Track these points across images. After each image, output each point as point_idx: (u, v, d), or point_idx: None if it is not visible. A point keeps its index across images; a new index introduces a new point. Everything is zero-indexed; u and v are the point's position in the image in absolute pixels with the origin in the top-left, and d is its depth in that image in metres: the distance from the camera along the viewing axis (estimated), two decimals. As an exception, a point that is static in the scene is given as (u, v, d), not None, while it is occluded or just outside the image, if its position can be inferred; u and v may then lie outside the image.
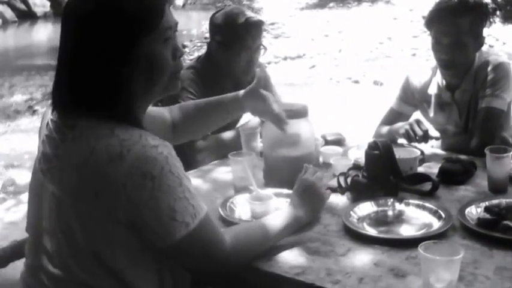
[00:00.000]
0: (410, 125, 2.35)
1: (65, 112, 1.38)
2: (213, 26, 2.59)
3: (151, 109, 1.68)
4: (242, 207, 1.89)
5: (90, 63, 1.34)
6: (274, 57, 8.94)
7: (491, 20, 10.10)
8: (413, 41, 9.04)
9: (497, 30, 9.70)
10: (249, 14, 2.58)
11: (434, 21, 2.45)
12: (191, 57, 2.59)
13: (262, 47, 2.60)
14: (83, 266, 1.36)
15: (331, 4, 12.76)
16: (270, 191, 1.93)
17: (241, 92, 1.88)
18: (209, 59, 2.63)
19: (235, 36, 2.51)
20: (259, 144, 2.30)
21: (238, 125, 2.62)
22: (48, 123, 1.43)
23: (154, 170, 1.29)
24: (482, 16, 2.47)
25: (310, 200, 1.70)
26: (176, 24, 1.46)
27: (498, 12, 10.51)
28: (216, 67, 2.59)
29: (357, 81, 7.82)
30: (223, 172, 2.26)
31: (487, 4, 2.57)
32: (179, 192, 1.32)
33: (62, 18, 1.40)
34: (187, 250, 1.37)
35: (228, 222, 1.78)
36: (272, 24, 11.26)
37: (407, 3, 11.84)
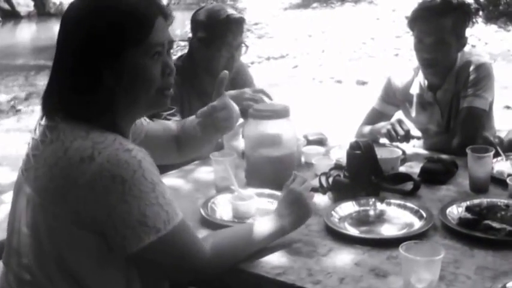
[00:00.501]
0: (392, 124, 2.35)
1: (49, 115, 1.38)
2: (195, 23, 2.59)
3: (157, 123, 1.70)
4: (223, 208, 1.87)
5: (74, 69, 1.34)
6: (257, 57, 8.94)
7: (474, 20, 10.19)
8: (396, 41, 9.08)
9: (479, 31, 9.79)
10: (231, 11, 2.57)
11: (418, 20, 2.45)
12: (174, 58, 2.58)
13: (243, 44, 2.59)
14: (45, 269, 1.34)
15: (315, 4, 12.78)
16: (251, 191, 1.92)
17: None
18: (191, 56, 2.62)
19: (216, 33, 2.50)
20: (241, 144, 2.29)
21: None
22: (36, 127, 1.42)
23: (125, 174, 1.27)
24: (465, 16, 2.48)
25: (297, 211, 1.65)
26: (170, 42, 1.44)
27: (481, 13, 10.60)
28: (197, 64, 2.58)
29: (339, 81, 7.84)
30: (205, 172, 2.25)
31: (469, 4, 2.58)
32: (151, 198, 1.30)
33: (63, 25, 1.41)
34: (158, 257, 1.34)
35: (209, 223, 1.77)
36: (255, 24, 11.25)
37: (390, 4, 11.90)
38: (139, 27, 1.36)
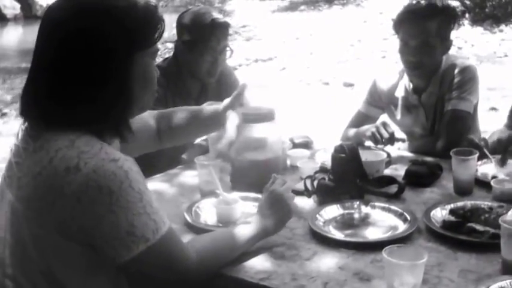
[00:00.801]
0: (377, 127, 2.35)
1: (32, 121, 1.35)
2: (180, 26, 2.58)
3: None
4: (208, 212, 1.86)
5: (76, 76, 1.30)
6: (245, 60, 8.94)
7: (461, 22, 10.26)
8: (383, 43, 9.12)
9: (466, 33, 9.85)
10: (216, 15, 2.57)
11: (403, 23, 2.46)
12: (160, 60, 2.58)
13: (228, 48, 2.58)
14: (31, 279, 1.32)
15: (302, 7, 12.81)
16: (236, 194, 1.92)
17: (220, 106, 1.88)
18: (176, 59, 2.61)
19: (200, 36, 2.49)
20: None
21: None
22: (19, 132, 1.40)
23: (112, 185, 1.26)
24: (450, 19, 2.49)
25: (279, 212, 1.66)
26: None
27: (467, 15, 10.67)
28: (182, 67, 2.57)
29: (327, 83, 7.86)
30: (189, 176, 2.23)
31: (454, 8, 2.60)
32: (139, 208, 1.28)
33: (43, 25, 1.35)
34: (147, 266, 1.34)
35: (193, 227, 1.76)
36: (244, 26, 11.26)
37: (377, 7, 11.95)
38: (151, 30, 1.36)
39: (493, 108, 6.02)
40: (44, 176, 1.28)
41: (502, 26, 10.22)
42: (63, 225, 1.27)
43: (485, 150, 2.13)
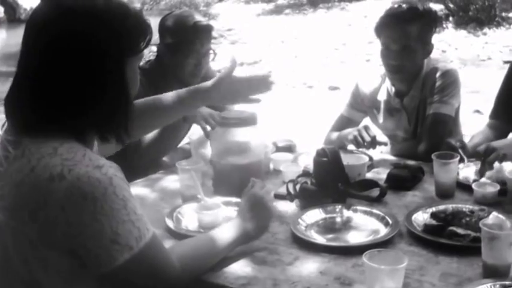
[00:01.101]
0: (359, 131, 2.35)
1: (15, 126, 1.33)
2: (163, 29, 2.57)
3: None
4: (189, 217, 1.85)
5: (67, 81, 1.28)
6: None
7: (444, 25, 10.33)
8: (367, 46, 9.14)
9: (449, 36, 9.91)
10: (199, 18, 2.56)
11: (384, 27, 2.47)
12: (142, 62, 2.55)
13: (211, 51, 2.58)
14: None
15: (287, 11, 12.82)
16: (218, 199, 1.91)
17: (208, 83, 1.82)
18: (158, 62, 2.60)
19: (184, 39, 2.49)
20: (209, 152, 2.27)
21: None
22: None
23: (96, 192, 1.23)
24: (431, 23, 2.50)
25: (259, 214, 1.65)
26: None
27: (451, 18, 10.74)
28: (165, 70, 2.56)
29: (312, 87, 7.87)
30: (171, 181, 2.21)
31: (436, 11, 2.60)
32: (123, 215, 1.27)
33: (28, 29, 1.33)
34: (131, 274, 1.32)
35: (174, 233, 1.75)
36: (229, 30, 11.25)
37: (362, 10, 11.99)
38: (142, 36, 1.37)
39: (477, 111, 6.05)
40: (27, 185, 1.25)
41: (486, 29, 10.29)
42: (47, 235, 1.25)
43: (462, 153, 2.13)
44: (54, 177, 1.23)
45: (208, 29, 2.55)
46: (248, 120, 2.04)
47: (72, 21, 1.29)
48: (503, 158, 2.06)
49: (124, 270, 1.28)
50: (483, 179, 2.04)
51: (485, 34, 10.18)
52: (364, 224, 1.82)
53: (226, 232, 1.59)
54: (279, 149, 2.50)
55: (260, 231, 1.66)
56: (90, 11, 1.30)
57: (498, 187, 1.94)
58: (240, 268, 1.56)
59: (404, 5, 2.44)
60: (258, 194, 1.68)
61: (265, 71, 8.71)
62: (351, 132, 2.39)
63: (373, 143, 2.32)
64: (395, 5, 2.48)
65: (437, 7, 10.53)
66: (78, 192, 1.22)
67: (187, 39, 2.49)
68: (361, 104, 2.68)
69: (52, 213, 1.23)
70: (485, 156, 2.05)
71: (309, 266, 1.58)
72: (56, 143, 1.28)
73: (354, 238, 1.75)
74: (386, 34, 2.45)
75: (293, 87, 7.90)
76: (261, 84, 1.86)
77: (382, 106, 2.61)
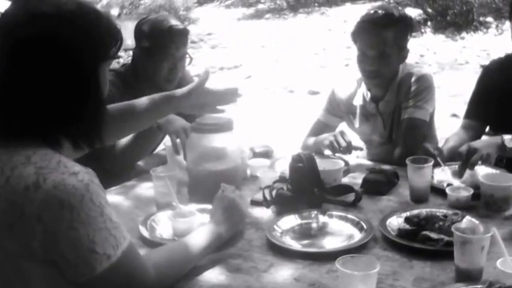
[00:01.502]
0: (335, 136, 2.36)
1: None
2: (138, 33, 2.56)
3: None
4: (164, 225, 1.84)
5: (36, 87, 1.27)
6: (210, 68, 8.91)
7: (423, 30, 10.42)
8: (346, 51, 9.19)
9: (428, 40, 10.00)
10: (174, 22, 2.56)
11: (360, 33, 2.48)
12: (118, 66, 2.53)
13: (187, 56, 2.57)
14: None
15: (268, 15, 12.85)
16: (193, 207, 1.90)
17: (180, 91, 1.84)
18: (134, 66, 2.60)
19: (159, 43, 2.48)
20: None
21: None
22: None
23: (73, 199, 1.22)
24: (407, 29, 2.52)
25: (232, 217, 1.67)
26: None
27: (429, 23, 10.84)
28: (140, 74, 2.55)
29: (292, 91, 7.89)
30: (146, 188, 2.20)
31: (411, 17, 2.62)
32: (99, 222, 1.25)
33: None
34: (110, 283, 1.29)
35: (148, 242, 1.73)
36: (209, 34, 11.25)
37: (341, 15, 12.05)
38: (114, 41, 1.36)
39: (454, 115, 6.11)
40: (3, 198, 1.23)
41: (464, 34, 10.40)
42: (25, 247, 1.23)
43: (439, 159, 2.15)
44: (29, 187, 1.21)
45: (183, 33, 2.55)
46: (224, 126, 2.04)
47: (42, 24, 1.27)
48: (487, 158, 2.06)
49: (102, 279, 1.27)
50: (457, 183, 2.06)
51: (463, 38, 10.29)
52: (339, 230, 1.82)
53: (199, 238, 1.59)
54: (256, 155, 2.50)
55: (233, 233, 1.67)
56: (62, 14, 1.29)
57: (472, 191, 1.95)
58: (214, 276, 1.56)
59: (379, 11, 2.45)
60: (229, 197, 1.71)
61: (245, 75, 8.73)
62: (327, 137, 2.40)
63: (349, 148, 2.33)
64: (371, 11, 2.49)
65: (415, 12, 10.65)
66: (54, 200, 1.20)
67: (162, 43, 2.48)
68: (337, 109, 2.69)
69: (29, 224, 1.21)
70: (467, 157, 2.05)
71: (284, 272, 1.58)
72: (29, 151, 1.26)
73: (329, 244, 1.75)
74: (363, 40, 2.46)
75: (273, 92, 7.92)
76: (228, 96, 1.90)
77: (358, 111, 2.62)
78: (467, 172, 2.07)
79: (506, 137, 2.11)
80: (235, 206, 1.70)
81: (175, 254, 1.53)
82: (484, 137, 2.53)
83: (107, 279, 1.28)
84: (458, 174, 2.08)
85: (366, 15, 2.50)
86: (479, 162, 2.05)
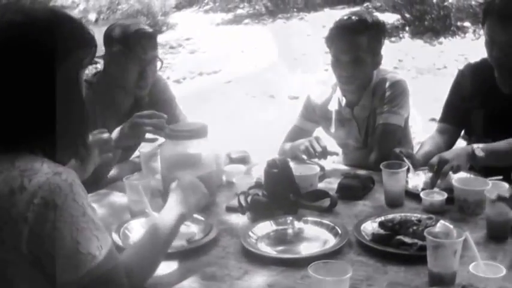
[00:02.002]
0: (310, 141, 2.37)
1: None
2: (106, 38, 2.55)
3: None
4: (137, 233, 1.82)
5: (14, 95, 1.27)
6: (189, 73, 8.88)
7: (401, 35, 10.49)
8: (326, 56, 9.22)
9: (406, 45, 10.06)
10: (142, 26, 2.56)
11: (334, 39, 2.49)
12: (90, 74, 2.52)
13: (158, 59, 2.56)
14: None
15: (247, 20, 12.83)
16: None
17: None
18: (104, 72, 2.58)
19: (126, 47, 2.47)
20: (159, 165, 2.24)
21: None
22: None
23: (57, 199, 1.22)
24: (381, 34, 2.53)
25: (192, 195, 1.66)
26: None
27: (407, 28, 10.91)
28: (110, 80, 2.53)
29: (272, 96, 7.90)
30: (120, 196, 2.17)
31: (384, 23, 2.63)
32: (82, 222, 1.25)
33: None
34: (93, 285, 1.28)
35: (121, 250, 1.69)
36: (188, 39, 11.20)
37: (320, 21, 12.09)
38: (88, 47, 1.37)
39: (433, 119, 6.15)
40: None
41: (441, 39, 10.48)
42: (12, 251, 1.23)
43: (409, 164, 2.15)
44: (15, 190, 1.22)
45: (150, 35, 2.53)
46: (198, 132, 2.03)
47: (15, 32, 1.27)
48: (457, 169, 2.08)
49: (87, 280, 1.25)
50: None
51: (441, 43, 10.38)
52: (315, 235, 1.82)
53: (164, 222, 1.55)
54: (232, 161, 2.49)
55: (196, 210, 1.67)
56: (35, 22, 1.30)
57: (445, 195, 1.97)
58: (188, 284, 1.55)
59: (353, 17, 2.47)
60: (187, 176, 1.70)
61: (224, 80, 8.73)
62: (302, 142, 2.40)
63: (324, 153, 2.34)
64: (345, 17, 2.50)
65: (394, 17, 10.71)
66: (40, 201, 1.21)
67: (129, 46, 2.47)
68: (313, 114, 2.69)
69: (16, 227, 1.21)
70: (438, 168, 2.07)
71: (258, 279, 1.57)
72: (11, 156, 1.27)
73: (305, 249, 1.74)
74: (336, 46, 2.47)
75: (253, 97, 7.92)
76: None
77: (333, 116, 2.63)
78: (446, 179, 2.08)
79: (476, 146, 2.13)
80: (195, 184, 1.68)
81: (145, 250, 1.48)
82: (456, 145, 2.55)
83: (91, 281, 1.26)
84: (430, 184, 2.08)
85: (340, 21, 2.51)
86: (451, 172, 2.07)
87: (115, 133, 2.17)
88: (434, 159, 2.10)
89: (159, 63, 2.56)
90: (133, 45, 2.46)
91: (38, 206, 1.21)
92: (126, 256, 1.45)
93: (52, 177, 1.24)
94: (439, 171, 2.06)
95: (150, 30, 2.57)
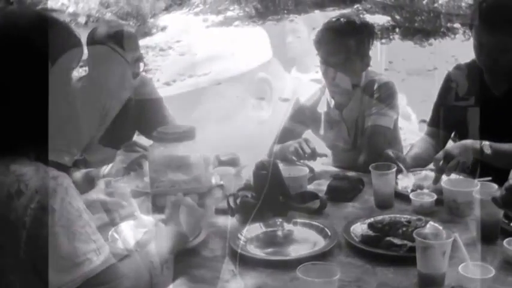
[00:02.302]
0: (299, 143, 2.37)
1: None
2: (89, 41, 2.55)
3: None
4: (125, 236, 1.81)
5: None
6: (179, 75, 8.87)
7: (391, 37, 10.53)
8: (316, 58, 9.23)
9: (396, 47, 10.09)
10: (123, 27, 2.57)
11: (322, 41, 2.49)
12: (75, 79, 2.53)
13: (141, 60, 2.55)
14: None
15: (237, 23, 12.83)
16: (156, 217, 1.86)
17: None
18: (88, 76, 2.57)
19: (106, 50, 2.46)
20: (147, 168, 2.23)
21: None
22: None
23: (54, 203, 1.22)
24: (369, 36, 2.53)
25: (190, 221, 1.65)
26: None
27: (397, 30, 10.95)
28: (95, 84, 2.52)
29: (263, 98, 7.89)
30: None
31: (372, 25, 2.63)
32: (78, 226, 1.24)
33: None
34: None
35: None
36: (178, 42, 11.19)
37: (310, 22, 12.13)
38: (75, 49, 1.37)
39: (423, 121, 6.15)
40: None
41: (432, 40, 10.53)
42: (13, 257, 1.22)
43: (400, 165, 2.15)
44: (12, 195, 1.22)
45: (129, 36, 2.54)
46: (186, 135, 2.03)
47: (1, 36, 1.27)
48: (462, 165, 2.08)
49: (83, 284, 1.24)
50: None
51: (431, 45, 10.42)
52: (304, 237, 1.81)
53: (162, 247, 1.52)
54: (222, 163, 2.48)
55: (192, 236, 1.66)
56: (21, 25, 1.30)
57: (435, 197, 1.97)
58: (177, 287, 1.54)
59: (341, 19, 2.47)
60: (180, 196, 1.69)
61: (215, 82, 8.72)
62: (291, 144, 2.40)
63: (313, 154, 2.34)
64: (333, 19, 2.50)
65: (384, 19, 10.74)
66: (37, 205, 1.21)
67: (109, 49, 2.46)
68: (302, 116, 2.69)
69: (15, 232, 1.21)
70: (445, 163, 2.05)
71: (247, 281, 1.56)
72: (5, 161, 1.26)
73: (294, 251, 1.74)
74: (325, 48, 2.47)
75: (244, 99, 7.92)
76: None
77: (322, 118, 2.63)
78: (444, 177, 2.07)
79: (484, 142, 2.12)
80: (192, 207, 1.68)
81: (140, 272, 1.45)
82: (456, 143, 2.54)
83: (87, 284, 1.25)
84: (434, 180, 2.07)
85: (328, 24, 2.51)
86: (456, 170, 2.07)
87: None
88: (440, 154, 2.08)
89: (141, 64, 2.56)
90: (114, 46, 2.46)
91: (35, 211, 1.21)
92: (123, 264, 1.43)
93: (48, 181, 1.23)
94: (446, 166, 2.04)
95: (130, 31, 2.59)
